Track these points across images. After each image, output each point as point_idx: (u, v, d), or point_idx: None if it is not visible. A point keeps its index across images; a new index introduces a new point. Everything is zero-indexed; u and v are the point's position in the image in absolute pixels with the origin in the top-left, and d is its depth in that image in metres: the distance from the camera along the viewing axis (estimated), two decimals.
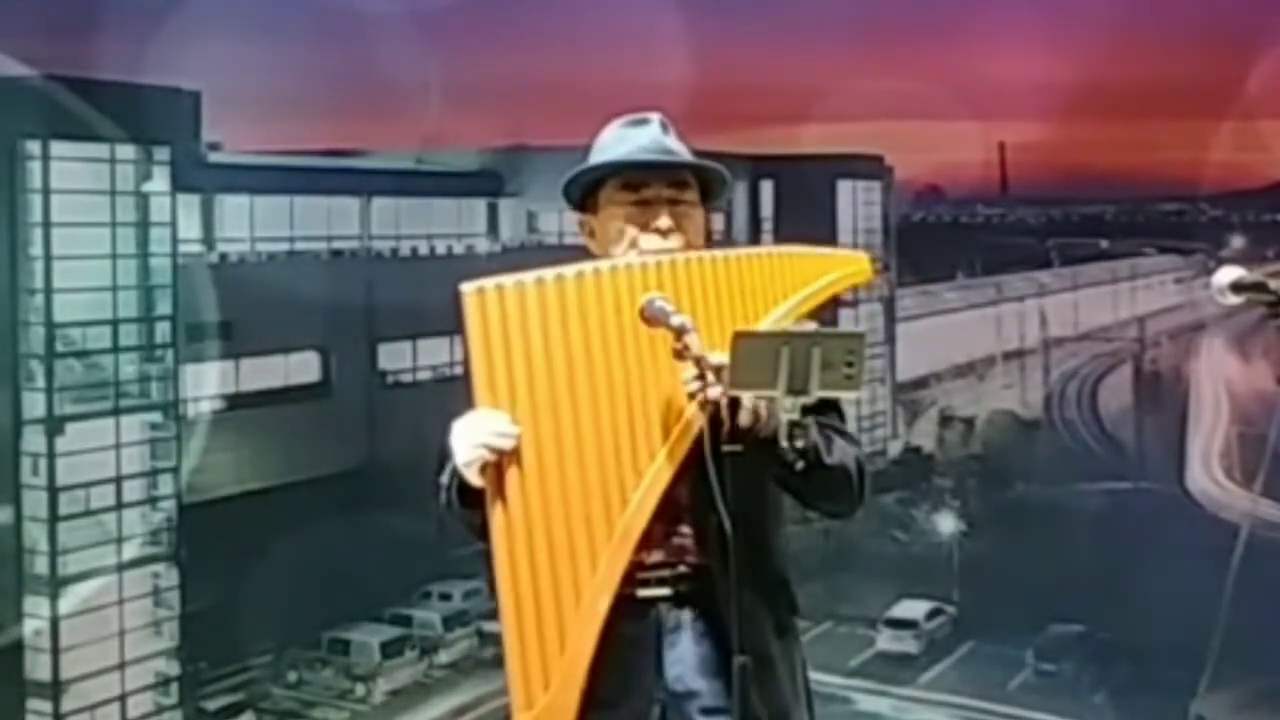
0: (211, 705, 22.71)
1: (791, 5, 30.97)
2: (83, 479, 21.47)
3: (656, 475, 2.62)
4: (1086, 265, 36.64)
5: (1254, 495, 23.98)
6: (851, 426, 2.79)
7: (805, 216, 28.13)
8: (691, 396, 2.53)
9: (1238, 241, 33.90)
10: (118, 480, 21.84)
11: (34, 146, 21.15)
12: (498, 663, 2.68)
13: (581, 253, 2.85)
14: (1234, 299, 2.78)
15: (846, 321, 25.14)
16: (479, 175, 28.30)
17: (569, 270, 2.67)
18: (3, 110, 20.87)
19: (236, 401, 23.85)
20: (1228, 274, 2.79)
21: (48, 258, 21.22)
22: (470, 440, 2.60)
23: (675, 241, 2.80)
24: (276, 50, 26.23)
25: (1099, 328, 35.29)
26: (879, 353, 30.20)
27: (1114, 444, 31.41)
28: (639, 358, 2.64)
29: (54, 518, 21.14)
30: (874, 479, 2.82)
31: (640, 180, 2.82)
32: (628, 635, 2.62)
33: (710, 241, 2.88)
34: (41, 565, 21.23)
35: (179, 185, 22.75)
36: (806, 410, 2.51)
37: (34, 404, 21.36)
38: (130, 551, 21.90)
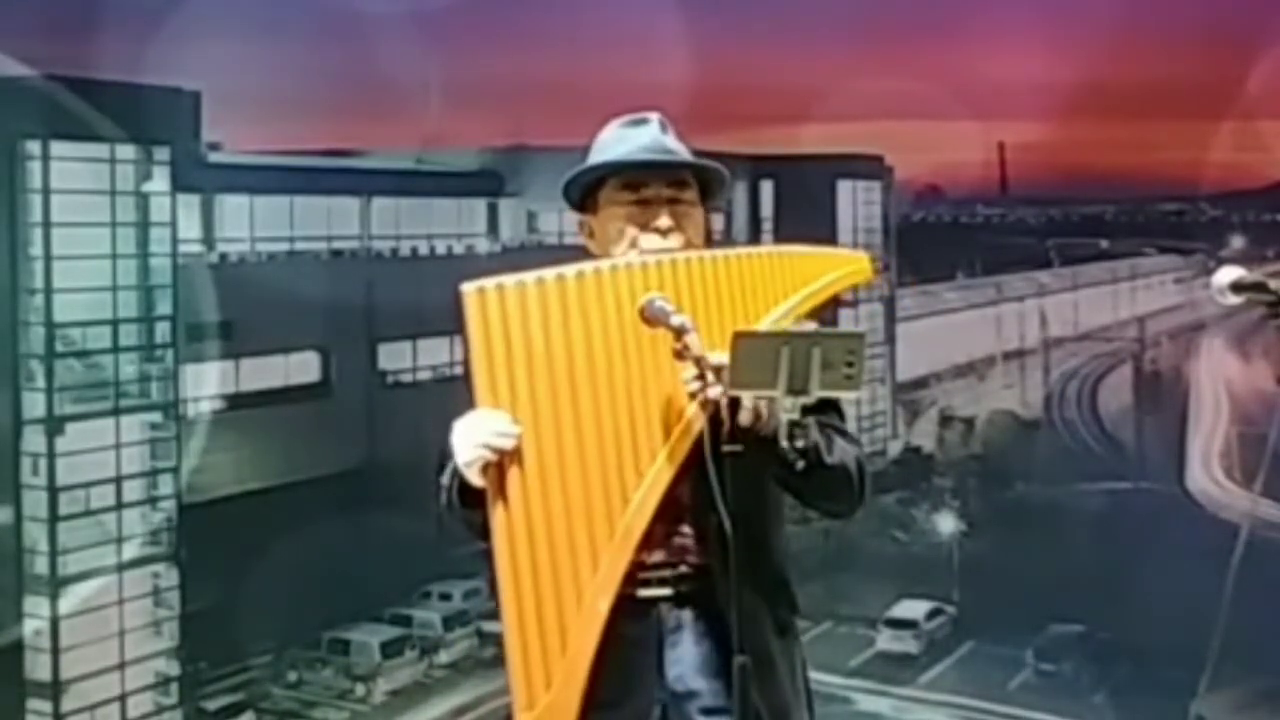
0: (211, 705, 22.71)
1: (791, 5, 30.98)
2: (83, 479, 21.48)
3: (657, 475, 2.62)
4: (1086, 265, 36.65)
5: (1254, 495, 23.98)
6: (851, 426, 2.79)
7: (805, 216, 28.14)
8: (692, 396, 2.54)
9: (1238, 241, 33.93)
10: (118, 480, 21.84)
11: (34, 146, 21.15)
12: (498, 663, 2.69)
13: (581, 253, 2.85)
14: (1234, 299, 2.78)
15: (846, 321, 25.14)
16: (479, 175, 28.30)
17: (569, 270, 2.67)
18: (3, 110, 20.87)
19: (236, 401, 23.85)
20: (1228, 274, 2.79)
21: (48, 258, 21.22)
22: (471, 440, 2.60)
23: (675, 241, 2.79)
24: (276, 50, 26.26)
25: (1099, 328, 35.30)
26: (879, 353, 30.20)
27: (1114, 444, 31.43)
28: (640, 357, 2.64)
29: (54, 518, 21.14)
30: (874, 479, 2.82)
31: (640, 180, 2.82)
32: (629, 635, 2.62)
33: (710, 241, 2.88)
34: (41, 565, 21.23)
35: (179, 185, 22.75)
36: (807, 410, 2.51)
37: (34, 404, 21.36)
38: (130, 551, 21.90)
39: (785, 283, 2.80)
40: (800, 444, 2.55)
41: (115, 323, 22.03)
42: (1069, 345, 34.69)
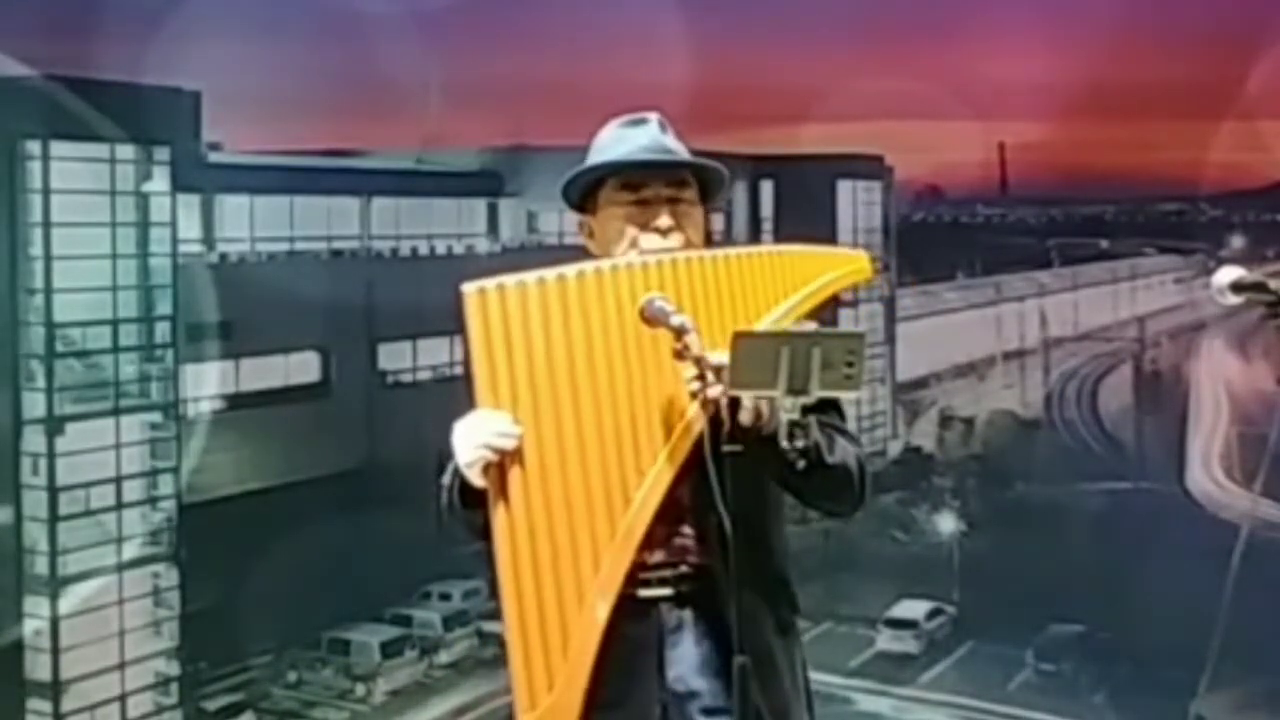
0: (211, 705, 22.71)
1: (791, 5, 31.00)
2: (83, 479, 21.48)
3: (658, 475, 2.62)
4: (1086, 265, 36.66)
5: (1254, 495, 23.98)
6: (851, 426, 2.79)
7: (805, 216, 28.14)
8: (693, 396, 2.54)
9: (1238, 241, 33.93)
10: (118, 480, 21.84)
11: (34, 146, 21.15)
12: (498, 663, 2.69)
13: (581, 253, 2.84)
14: (1234, 299, 2.78)
15: (846, 321, 25.15)
16: (479, 175, 28.31)
17: (569, 270, 2.67)
18: (3, 110, 20.87)
19: (236, 401, 23.85)
20: (1228, 274, 2.79)
21: (48, 258, 21.22)
22: (472, 441, 2.60)
23: (675, 240, 2.79)
24: (276, 50, 26.26)
25: (1099, 328, 35.31)
26: (879, 353, 30.21)
27: (1114, 444, 31.43)
28: (640, 357, 2.64)
29: (54, 518, 21.14)
30: (874, 479, 2.82)
31: (639, 180, 2.81)
32: (630, 636, 2.62)
33: (710, 241, 2.88)
34: (41, 565, 21.23)
35: (179, 185, 22.75)
36: (807, 410, 2.51)
37: (34, 404, 21.36)
38: (130, 551, 21.90)
39: (785, 282, 2.80)
40: (801, 444, 2.54)
41: (115, 323, 22.03)
42: (1069, 345, 34.70)
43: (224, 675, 23.14)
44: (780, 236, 26.10)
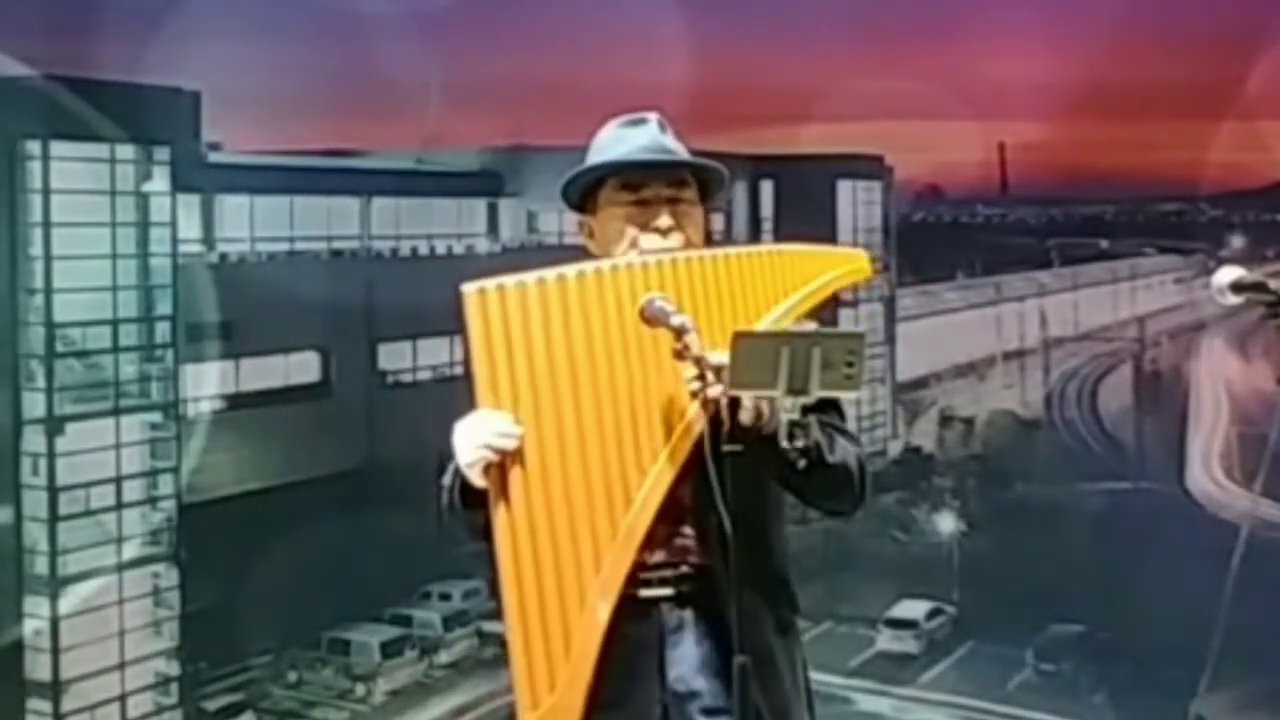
0: (211, 705, 22.71)
1: (791, 5, 30.99)
2: (83, 479, 21.48)
3: (659, 475, 2.62)
4: (1086, 265, 36.65)
5: (1254, 495, 23.98)
6: (851, 426, 2.79)
7: (805, 216, 28.13)
8: (693, 396, 2.54)
9: (1238, 241, 33.93)
10: (118, 480, 21.84)
11: (34, 146, 21.15)
12: (498, 663, 2.70)
13: (581, 253, 2.85)
14: (1234, 299, 2.78)
15: (846, 321, 25.15)
16: (479, 175, 28.30)
17: (569, 270, 2.67)
18: (3, 110, 20.86)
19: (236, 401, 23.85)
20: (1228, 274, 2.79)
21: (48, 258, 21.22)
22: (473, 441, 2.60)
23: (675, 240, 2.79)
24: (276, 50, 26.26)
25: (1099, 328, 35.31)
26: (879, 353, 30.20)
27: (1114, 444, 31.43)
28: (641, 357, 2.64)
29: (54, 518, 21.14)
30: (874, 479, 2.82)
31: (639, 180, 2.81)
32: (631, 636, 2.62)
33: (710, 241, 2.88)
34: (41, 565, 21.23)
35: (179, 185, 22.75)
36: (807, 410, 2.51)
37: (34, 404, 21.36)
38: (130, 551, 21.90)
39: (785, 282, 2.80)
40: (801, 443, 2.54)
41: (115, 323, 22.03)
42: (1069, 345, 34.70)
43: (224, 675, 23.14)
44: (780, 236, 26.08)
